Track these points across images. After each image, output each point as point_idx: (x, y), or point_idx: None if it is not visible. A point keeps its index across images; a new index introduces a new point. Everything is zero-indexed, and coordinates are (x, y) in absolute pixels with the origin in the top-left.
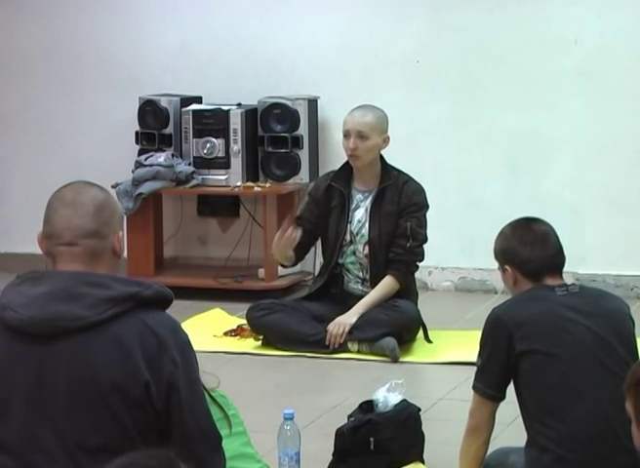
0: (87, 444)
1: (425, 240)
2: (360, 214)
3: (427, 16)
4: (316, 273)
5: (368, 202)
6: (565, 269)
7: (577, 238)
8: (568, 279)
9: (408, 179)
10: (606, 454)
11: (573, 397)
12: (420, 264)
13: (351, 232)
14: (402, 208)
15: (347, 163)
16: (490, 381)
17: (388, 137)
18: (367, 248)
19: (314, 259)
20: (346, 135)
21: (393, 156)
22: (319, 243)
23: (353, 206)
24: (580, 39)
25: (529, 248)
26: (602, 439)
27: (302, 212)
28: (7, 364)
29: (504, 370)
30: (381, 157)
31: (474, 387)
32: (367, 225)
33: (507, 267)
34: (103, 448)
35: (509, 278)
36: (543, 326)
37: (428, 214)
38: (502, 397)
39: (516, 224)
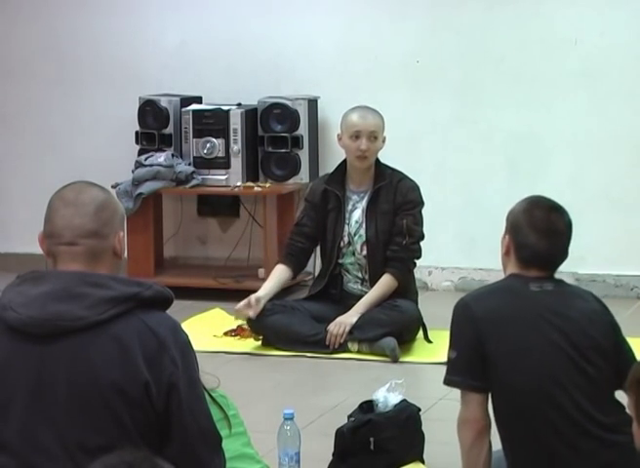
0: (87, 444)
1: (422, 237)
2: (357, 215)
3: (427, 16)
4: (316, 274)
5: (364, 202)
6: (565, 269)
7: (576, 238)
8: (567, 279)
9: (402, 177)
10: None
11: (529, 395)
12: (421, 264)
13: (349, 233)
14: (397, 206)
15: (341, 165)
16: (468, 370)
17: (385, 137)
18: (365, 248)
19: (314, 260)
20: (356, 136)
21: (393, 156)
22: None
23: (350, 207)
24: (580, 39)
25: (537, 236)
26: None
27: (300, 218)
28: (7, 364)
29: (479, 358)
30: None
31: (450, 382)
32: (364, 225)
33: (507, 237)
34: (103, 448)
35: (504, 246)
36: (509, 322)
37: (428, 214)
38: (486, 386)
39: (538, 204)
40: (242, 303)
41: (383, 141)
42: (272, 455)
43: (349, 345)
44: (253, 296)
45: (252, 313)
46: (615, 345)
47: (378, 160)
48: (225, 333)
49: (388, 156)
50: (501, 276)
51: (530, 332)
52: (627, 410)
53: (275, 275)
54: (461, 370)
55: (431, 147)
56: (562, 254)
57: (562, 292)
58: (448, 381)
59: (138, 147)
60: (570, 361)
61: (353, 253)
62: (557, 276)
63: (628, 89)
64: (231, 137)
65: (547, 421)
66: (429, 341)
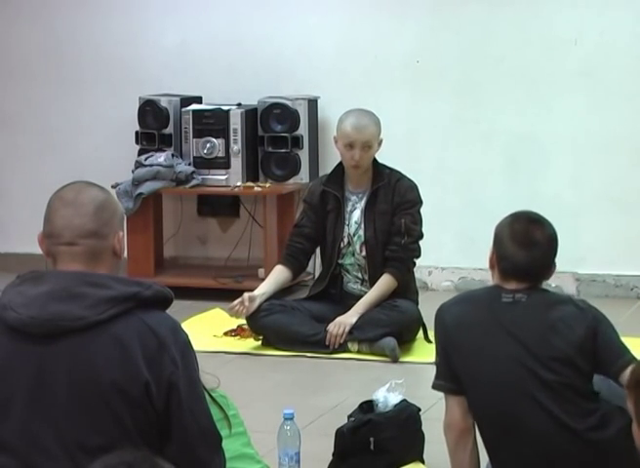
0: (87, 443)
1: (421, 236)
2: (357, 216)
3: (427, 16)
4: (316, 274)
5: (362, 203)
6: (565, 269)
7: (577, 238)
8: (567, 279)
9: (400, 177)
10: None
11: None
12: (420, 264)
13: (349, 234)
14: (396, 205)
15: (339, 166)
16: (447, 375)
17: (382, 140)
18: (364, 248)
19: (314, 260)
20: (350, 146)
21: (393, 156)
22: None
23: (349, 208)
24: (580, 39)
25: (515, 248)
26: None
27: (300, 219)
28: (7, 364)
29: (451, 362)
30: (373, 157)
31: (434, 386)
32: (363, 226)
33: (492, 250)
34: (104, 448)
35: (489, 259)
36: (468, 330)
37: (428, 214)
38: (464, 390)
39: (519, 219)
40: (236, 301)
41: (379, 144)
42: (272, 455)
43: (349, 345)
44: (246, 294)
45: (245, 311)
46: (595, 347)
47: (375, 160)
48: (225, 333)
49: (388, 156)
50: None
51: (485, 342)
52: (601, 412)
53: (273, 275)
54: (442, 374)
55: (431, 147)
56: (541, 266)
57: (533, 303)
58: (433, 385)
59: (138, 147)
60: (529, 371)
61: (353, 254)
62: (558, 277)
63: (628, 89)
64: (231, 137)
65: (509, 431)
66: (429, 341)
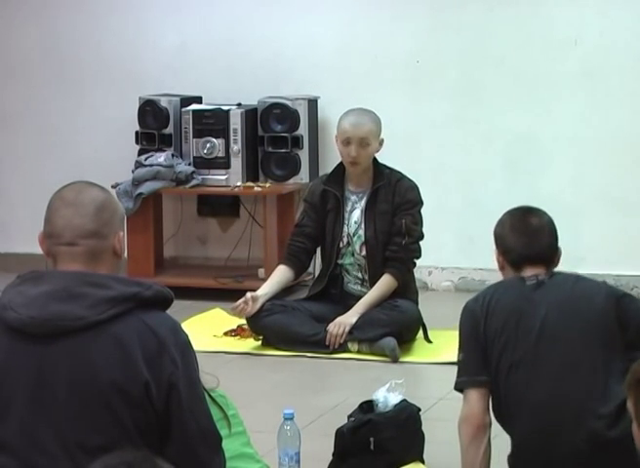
0: (87, 443)
1: (421, 236)
2: (356, 216)
3: (427, 15)
4: (316, 274)
5: (363, 203)
6: (565, 269)
7: (577, 238)
8: None
9: (401, 177)
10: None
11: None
12: (420, 264)
13: (348, 234)
14: (396, 206)
15: (339, 165)
16: (476, 368)
17: (383, 140)
18: (364, 248)
19: (314, 260)
20: (347, 142)
21: (393, 156)
22: None
23: (349, 208)
24: (580, 39)
25: (516, 237)
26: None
27: (301, 219)
28: (7, 364)
29: (480, 348)
30: (374, 157)
31: (457, 384)
32: (363, 226)
33: (497, 251)
34: (103, 448)
35: (498, 262)
36: (503, 319)
37: (428, 214)
38: (489, 379)
39: (514, 212)
40: (240, 301)
41: (381, 144)
42: (272, 455)
43: (349, 345)
44: (249, 294)
45: (248, 311)
46: (619, 316)
47: (376, 160)
48: (225, 333)
49: (388, 156)
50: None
51: (521, 320)
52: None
53: (275, 275)
54: (466, 369)
55: (431, 147)
56: (548, 248)
57: (557, 281)
58: (455, 384)
59: (138, 147)
60: (566, 341)
61: (353, 254)
62: None
63: (628, 89)
64: (231, 137)
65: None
66: (429, 341)
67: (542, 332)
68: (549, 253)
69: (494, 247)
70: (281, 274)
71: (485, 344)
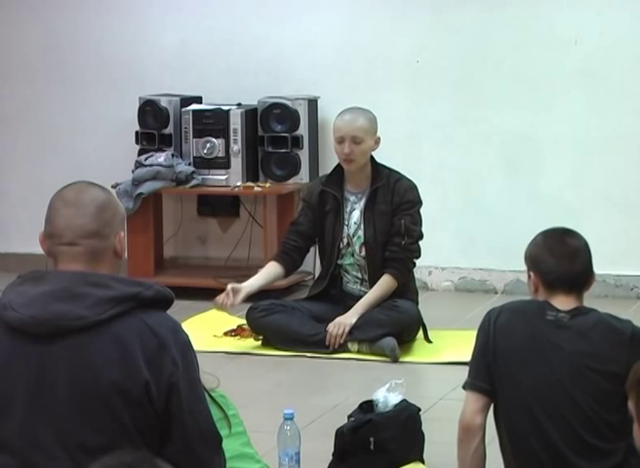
0: (87, 443)
1: (421, 236)
2: (356, 217)
3: (427, 16)
4: (316, 274)
5: (362, 203)
6: None
7: None
8: None
9: (399, 177)
10: None
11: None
12: (420, 264)
13: (348, 235)
14: (395, 206)
15: (338, 166)
16: (478, 373)
17: (379, 138)
18: (364, 249)
19: (314, 260)
20: (340, 140)
21: (393, 156)
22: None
23: (348, 209)
24: (580, 39)
25: (555, 259)
26: None
27: (297, 217)
28: (8, 363)
29: (485, 364)
30: (372, 157)
31: (464, 384)
32: (362, 226)
33: (532, 274)
34: (103, 448)
35: (532, 284)
36: (513, 350)
37: (428, 214)
38: (492, 391)
39: (550, 233)
40: (222, 294)
41: (377, 142)
42: (272, 455)
43: (349, 345)
44: (230, 286)
45: (229, 303)
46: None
47: (374, 160)
48: (225, 333)
49: (388, 156)
50: (501, 276)
51: (526, 356)
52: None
53: (264, 270)
54: (472, 372)
55: (431, 147)
56: (585, 272)
57: (578, 325)
58: (464, 384)
59: (138, 147)
60: (561, 391)
61: (352, 254)
62: None
63: (628, 89)
64: (231, 137)
65: (534, 451)
66: (429, 341)
67: (551, 387)
68: (586, 278)
69: (525, 268)
70: (269, 269)
71: (490, 361)
